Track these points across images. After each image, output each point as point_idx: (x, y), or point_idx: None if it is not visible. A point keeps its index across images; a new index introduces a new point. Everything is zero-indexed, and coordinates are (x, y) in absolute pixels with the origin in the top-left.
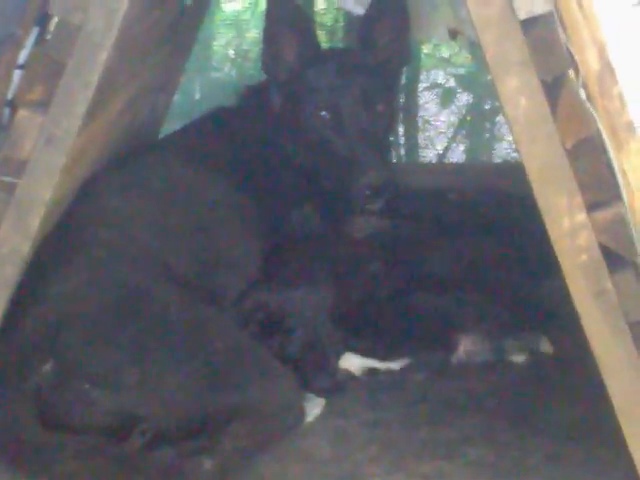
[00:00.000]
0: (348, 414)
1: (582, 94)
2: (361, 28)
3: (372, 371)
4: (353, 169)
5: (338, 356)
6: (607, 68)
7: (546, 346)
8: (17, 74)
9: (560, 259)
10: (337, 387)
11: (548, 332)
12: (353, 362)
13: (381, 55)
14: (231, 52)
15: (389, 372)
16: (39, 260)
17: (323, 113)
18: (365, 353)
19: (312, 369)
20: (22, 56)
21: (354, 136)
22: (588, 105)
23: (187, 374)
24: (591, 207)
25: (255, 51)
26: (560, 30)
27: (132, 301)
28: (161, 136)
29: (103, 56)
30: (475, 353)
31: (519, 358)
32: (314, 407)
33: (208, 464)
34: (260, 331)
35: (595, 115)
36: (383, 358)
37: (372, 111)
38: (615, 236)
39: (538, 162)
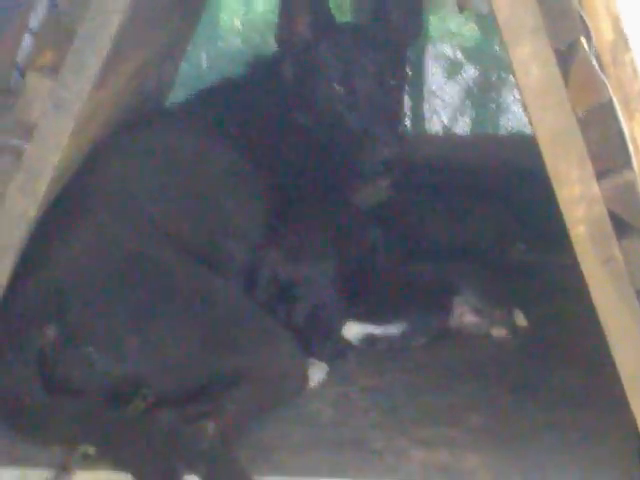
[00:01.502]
0: (350, 380)
1: (594, 62)
2: (373, 2)
3: (370, 338)
4: (366, 143)
5: (341, 324)
6: (621, 37)
7: (521, 320)
8: (27, 39)
9: (569, 226)
10: (340, 353)
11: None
12: (352, 329)
13: (393, 29)
14: (238, 22)
15: (388, 338)
16: (45, 224)
17: (337, 86)
18: (363, 319)
19: (317, 336)
20: (33, 20)
21: (368, 110)
22: (600, 73)
23: (190, 338)
24: (601, 175)
25: (262, 21)
26: None
27: (135, 266)
28: (168, 104)
29: (115, 22)
30: (467, 320)
31: (500, 332)
32: (317, 373)
33: (210, 428)
34: (267, 298)
35: (607, 83)
36: (381, 323)
37: (385, 85)
38: (625, 204)
39: (549, 130)
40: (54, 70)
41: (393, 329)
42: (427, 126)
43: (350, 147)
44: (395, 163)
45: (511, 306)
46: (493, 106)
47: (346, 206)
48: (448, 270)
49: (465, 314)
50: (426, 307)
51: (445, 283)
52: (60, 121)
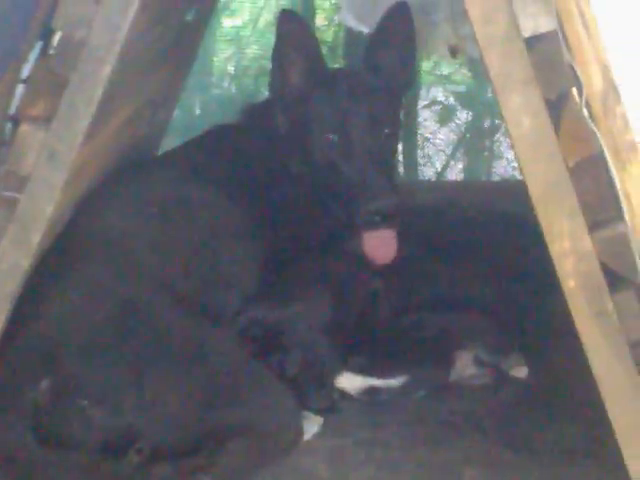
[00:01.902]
0: (345, 433)
1: (585, 113)
2: (367, 50)
3: (372, 390)
4: (361, 193)
5: (336, 374)
6: (611, 88)
7: (521, 371)
8: (20, 88)
9: (561, 279)
10: (335, 406)
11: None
12: (353, 381)
13: (386, 77)
14: (231, 68)
15: (389, 390)
16: (38, 276)
17: (331, 136)
18: (365, 371)
19: (309, 387)
20: (25, 70)
21: (363, 160)
22: (591, 124)
23: (185, 392)
24: (593, 227)
25: (255, 67)
26: (564, 49)
27: (130, 318)
28: (160, 152)
29: (106, 71)
30: (471, 371)
31: (520, 372)
32: (312, 426)
33: None
34: (258, 349)
35: (598, 134)
36: (383, 376)
37: (380, 134)
38: (617, 256)
39: (541, 181)
40: (47, 120)
41: (394, 381)
42: (420, 172)
43: (345, 197)
44: (392, 215)
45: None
46: (486, 153)
47: (345, 255)
48: (451, 321)
49: (468, 366)
50: (428, 360)
51: (448, 336)
52: (53, 172)
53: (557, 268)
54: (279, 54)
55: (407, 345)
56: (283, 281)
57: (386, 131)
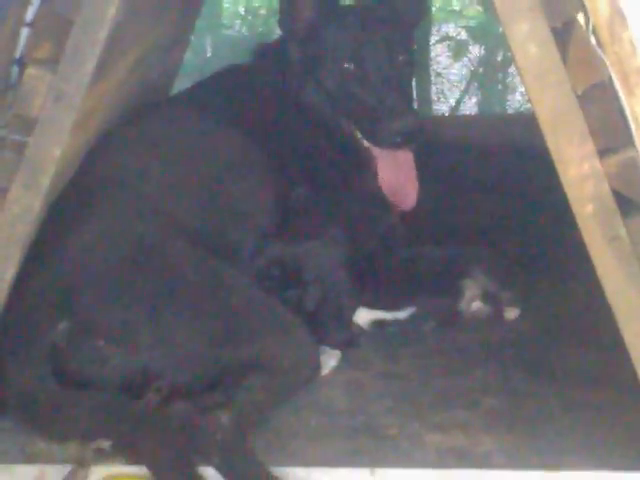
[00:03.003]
0: (363, 366)
1: (592, 40)
2: None
3: (380, 323)
4: (382, 117)
5: (354, 309)
6: (617, 13)
7: (512, 312)
8: (25, 32)
9: (573, 206)
10: (353, 340)
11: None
12: (361, 315)
13: (399, 11)
14: (241, 9)
15: (397, 322)
16: (52, 219)
17: (347, 65)
18: (372, 305)
19: (329, 322)
20: (29, 13)
21: (380, 85)
22: (598, 50)
23: (201, 329)
24: (603, 153)
25: (265, 8)
26: None
27: (145, 257)
28: (173, 93)
29: (111, 11)
30: (476, 306)
31: (511, 314)
32: (330, 359)
33: (225, 418)
34: (276, 285)
35: (606, 60)
36: (390, 308)
37: (395, 61)
38: (627, 181)
39: (549, 109)
40: (53, 63)
41: (402, 314)
42: (434, 107)
43: (365, 123)
44: (414, 135)
45: (521, 287)
46: (499, 86)
47: (360, 190)
48: (458, 253)
49: (474, 299)
50: (435, 291)
51: (454, 266)
52: (61, 114)
53: (569, 195)
54: None
55: (414, 278)
56: (299, 218)
57: (400, 58)
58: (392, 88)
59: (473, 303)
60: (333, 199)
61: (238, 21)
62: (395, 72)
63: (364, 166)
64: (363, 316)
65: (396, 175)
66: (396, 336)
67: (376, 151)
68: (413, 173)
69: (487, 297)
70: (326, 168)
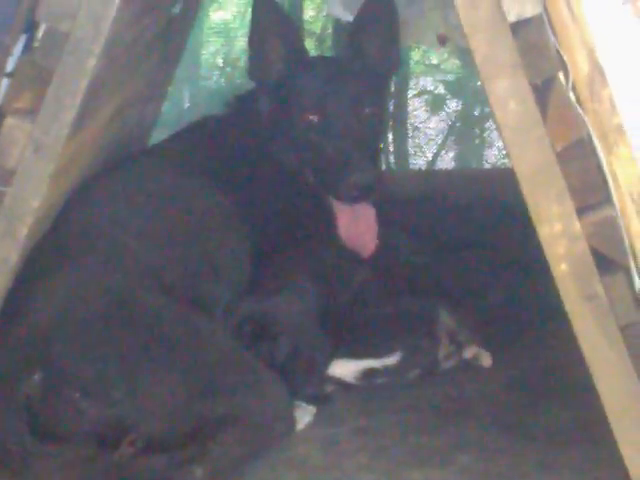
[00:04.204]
0: (338, 421)
1: (572, 97)
2: (350, 34)
3: (369, 373)
4: (341, 169)
5: (327, 362)
6: (597, 70)
7: (486, 359)
8: (4, 82)
9: (551, 263)
10: (326, 395)
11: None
12: (348, 366)
13: (370, 62)
14: (220, 61)
15: (386, 370)
16: (28, 269)
17: (311, 116)
18: (358, 354)
19: (299, 375)
20: (10, 64)
21: (342, 138)
22: (578, 108)
23: (177, 382)
24: (581, 210)
25: (244, 59)
26: (550, 32)
27: (121, 310)
28: (150, 145)
29: (91, 63)
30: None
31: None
32: (304, 415)
33: (199, 472)
34: (248, 339)
35: (585, 118)
36: (378, 355)
37: (360, 114)
38: (606, 240)
39: (528, 166)
40: (32, 113)
41: (390, 360)
42: (411, 162)
43: (327, 176)
44: (371, 188)
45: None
46: (477, 141)
47: (331, 244)
48: (428, 302)
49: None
50: (418, 335)
51: (427, 312)
52: (40, 165)
53: (546, 252)
54: (256, 38)
55: (394, 325)
56: (269, 271)
57: (366, 110)
58: (353, 141)
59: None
60: (302, 251)
61: (216, 72)
62: (358, 125)
63: (330, 218)
64: (351, 369)
65: (355, 227)
66: (376, 387)
67: (337, 204)
68: (372, 225)
69: (452, 338)
70: (294, 220)
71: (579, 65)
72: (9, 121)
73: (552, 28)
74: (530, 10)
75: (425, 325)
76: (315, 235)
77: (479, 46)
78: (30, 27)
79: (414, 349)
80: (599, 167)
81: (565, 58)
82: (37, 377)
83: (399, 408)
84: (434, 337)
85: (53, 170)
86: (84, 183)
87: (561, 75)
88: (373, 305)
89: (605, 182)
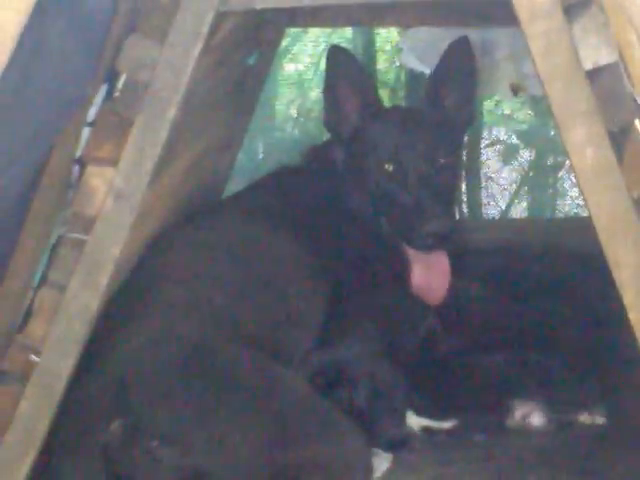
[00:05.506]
0: (415, 469)
1: None
2: (428, 84)
3: (427, 429)
4: (416, 218)
5: (406, 403)
6: None
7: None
8: (86, 131)
9: (628, 310)
10: (407, 440)
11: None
12: (411, 419)
13: (447, 113)
14: (293, 111)
15: (442, 431)
16: (108, 317)
17: (387, 166)
18: (417, 410)
19: (381, 417)
20: (91, 113)
21: (417, 187)
22: None
23: (255, 431)
24: None
25: (318, 110)
26: (626, 80)
27: (199, 358)
28: (225, 195)
29: (171, 113)
30: (531, 420)
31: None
32: (382, 463)
33: None
34: (325, 386)
35: None
36: (433, 416)
37: (435, 164)
38: None
39: (605, 213)
40: (113, 162)
41: (446, 424)
42: (484, 211)
43: (403, 225)
44: (446, 237)
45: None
46: (550, 190)
47: (398, 290)
48: (510, 364)
49: (531, 415)
50: (481, 407)
51: (506, 380)
52: (121, 213)
53: (624, 299)
54: (331, 90)
55: (462, 388)
56: (337, 318)
57: (442, 161)
58: (428, 190)
59: (527, 419)
60: (369, 298)
61: (290, 123)
62: (433, 174)
63: (404, 266)
64: (413, 421)
65: (428, 275)
66: (446, 441)
67: (411, 252)
68: (445, 273)
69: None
70: (369, 269)
71: None
72: (90, 170)
73: (628, 75)
74: (606, 58)
75: (497, 396)
76: (387, 282)
77: (555, 94)
78: (110, 77)
79: (474, 419)
80: None
81: None
82: (116, 425)
83: (477, 457)
84: (503, 409)
85: (133, 219)
86: (163, 232)
87: (637, 122)
88: (442, 357)
89: None
